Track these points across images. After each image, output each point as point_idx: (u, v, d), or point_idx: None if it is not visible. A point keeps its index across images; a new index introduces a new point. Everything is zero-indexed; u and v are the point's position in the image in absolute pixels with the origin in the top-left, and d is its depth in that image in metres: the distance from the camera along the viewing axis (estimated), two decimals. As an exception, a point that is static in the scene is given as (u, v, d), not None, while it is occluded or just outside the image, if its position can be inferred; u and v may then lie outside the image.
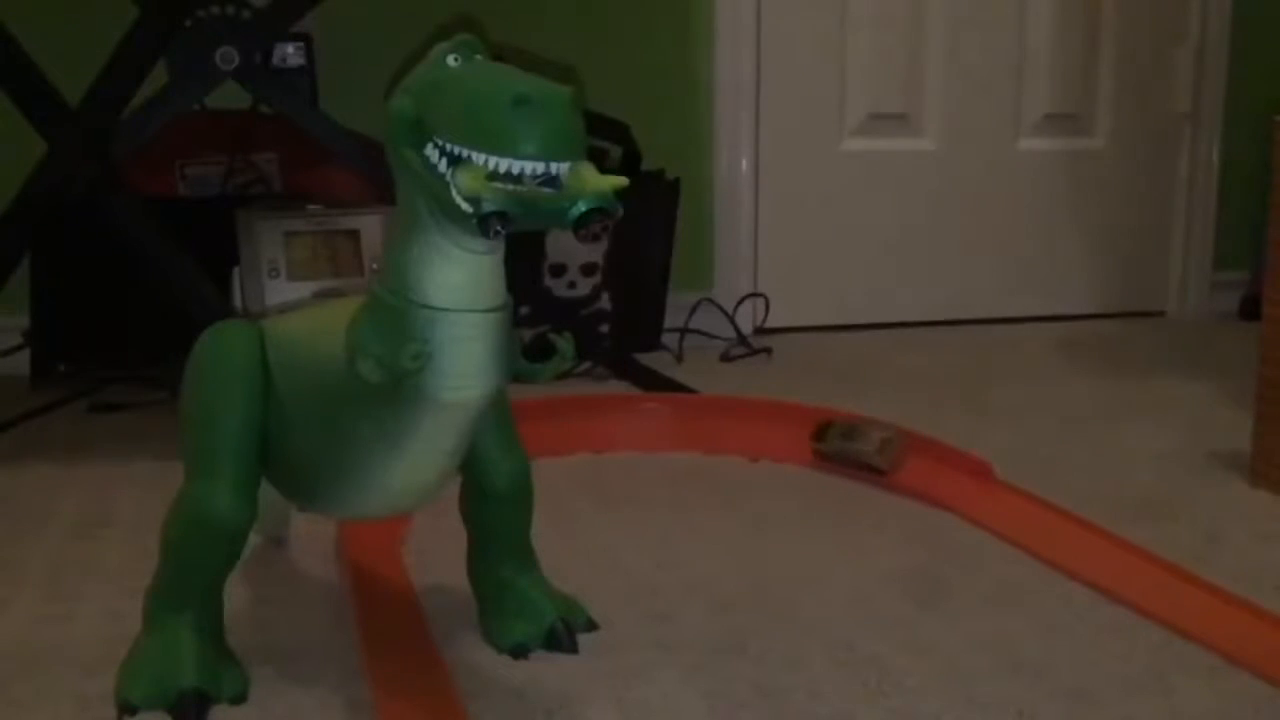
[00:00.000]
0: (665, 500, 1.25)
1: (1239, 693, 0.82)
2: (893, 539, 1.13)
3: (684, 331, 2.11)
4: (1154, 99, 2.44)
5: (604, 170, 0.64)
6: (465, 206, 0.63)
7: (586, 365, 1.85)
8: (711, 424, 1.43)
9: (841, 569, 1.05)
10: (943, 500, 1.21)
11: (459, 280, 0.68)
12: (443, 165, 0.65)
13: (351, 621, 0.91)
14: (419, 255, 0.68)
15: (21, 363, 1.83)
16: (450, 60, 0.67)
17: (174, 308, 1.47)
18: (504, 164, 0.62)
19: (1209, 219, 2.50)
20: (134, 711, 0.78)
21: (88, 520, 1.19)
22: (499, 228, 0.63)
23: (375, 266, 1.59)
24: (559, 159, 0.62)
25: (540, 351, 0.76)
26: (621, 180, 0.64)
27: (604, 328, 1.97)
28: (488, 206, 0.62)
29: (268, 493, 0.82)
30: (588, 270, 1.94)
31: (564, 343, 0.77)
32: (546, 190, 0.63)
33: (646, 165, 2.06)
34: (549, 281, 1.92)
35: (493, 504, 0.87)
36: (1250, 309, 2.32)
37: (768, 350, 2.08)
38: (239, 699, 0.80)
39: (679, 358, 2.02)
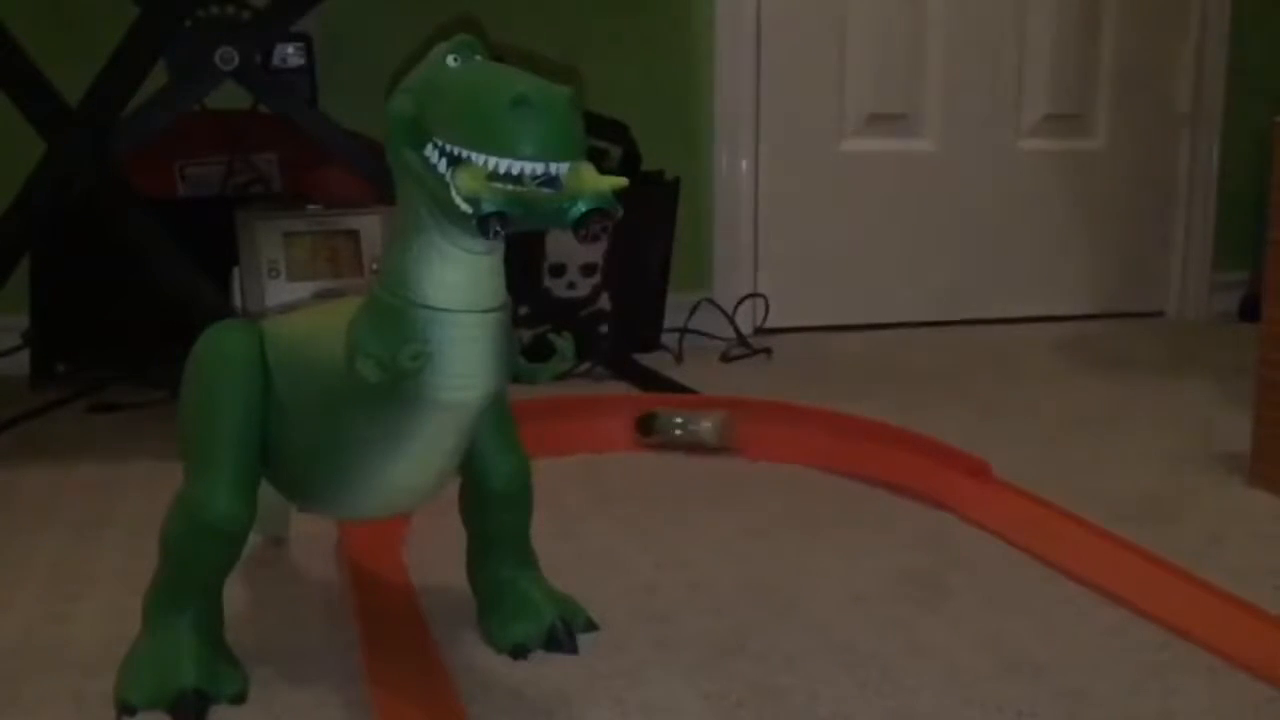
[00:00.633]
0: (665, 500, 1.25)
1: (1238, 693, 0.82)
2: (892, 539, 1.13)
3: (684, 332, 2.11)
4: (1154, 99, 2.44)
5: (603, 170, 0.64)
6: (465, 207, 0.63)
7: (586, 366, 1.85)
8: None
9: (841, 569, 1.05)
10: (942, 500, 1.21)
11: (458, 280, 0.68)
12: (442, 165, 0.65)
13: (351, 622, 0.91)
14: (419, 255, 0.68)
15: (21, 363, 1.83)
16: (450, 60, 0.67)
17: (174, 308, 1.47)
18: (503, 164, 0.62)
19: (1209, 219, 2.50)
20: (133, 711, 0.78)
21: (87, 520, 1.19)
22: (498, 228, 0.63)
23: (375, 267, 1.59)
24: (558, 159, 0.62)
25: (540, 352, 0.76)
26: (621, 180, 0.64)
27: (604, 328, 1.97)
28: (487, 207, 0.62)
29: (267, 493, 0.82)
30: (587, 270, 1.94)
31: (564, 343, 0.77)
32: (546, 190, 0.63)
33: (646, 165, 2.06)
34: (549, 282, 1.92)
35: (492, 504, 0.87)
36: (1250, 309, 2.31)
37: (767, 350, 2.08)
38: (238, 699, 0.80)
39: (679, 358, 2.02)
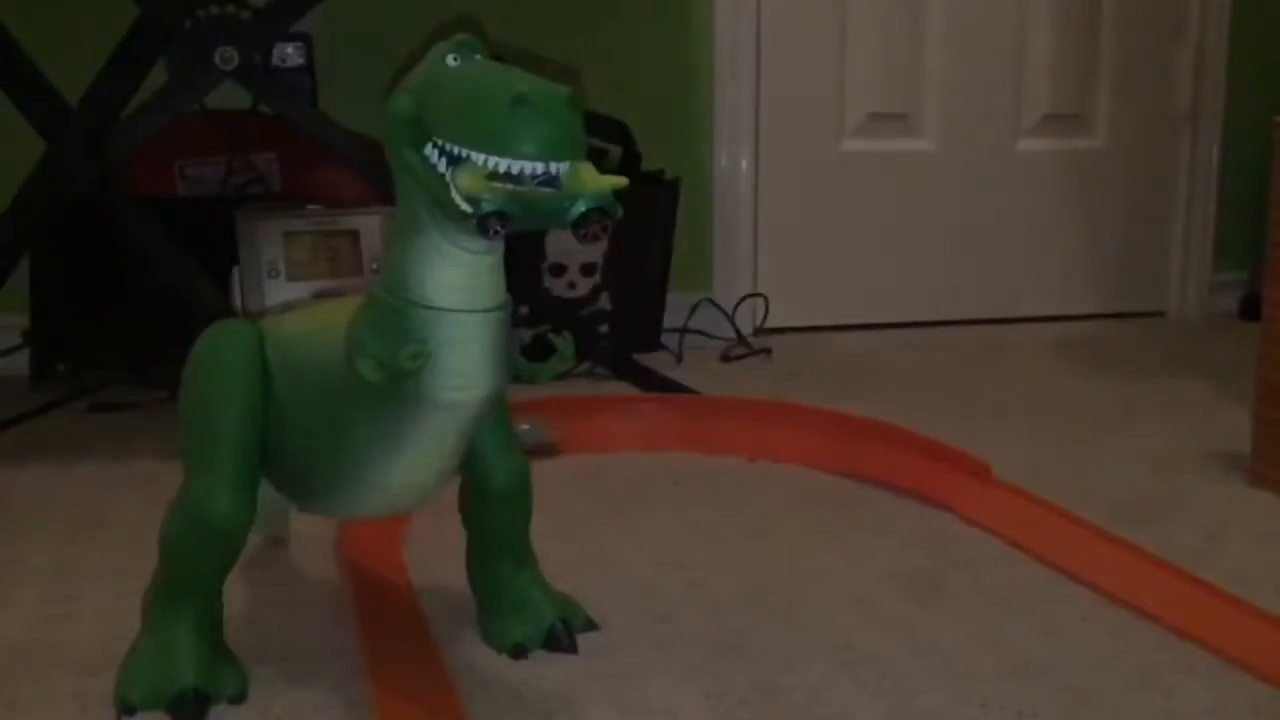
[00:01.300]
0: (665, 500, 1.25)
1: (1238, 693, 0.82)
2: (892, 539, 1.13)
3: (683, 331, 2.11)
4: (1154, 99, 2.44)
5: (603, 170, 0.64)
6: (465, 206, 0.63)
7: (586, 365, 1.85)
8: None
9: (841, 569, 1.05)
10: (942, 500, 1.21)
11: (458, 280, 0.68)
12: (442, 165, 0.65)
13: (351, 621, 0.91)
14: (418, 255, 0.68)
15: (21, 362, 1.83)
16: (450, 60, 0.67)
17: (173, 307, 1.47)
18: (503, 164, 0.62)
19: (1209, 219, 2.50)
20: (133, 711, 0.78)
21: (87, 520, 1.19)
22: (498, 228, 0.63)
23: (375, 266, 1.59)
24: (558, 159, 0.62)
25: (540, 351, 0.77)
26: (621, 180, 0.64)
27: (603, 328, 1.97)
28: (487, 206, 0.62)
29: (267, 492, 0.82)
30: (587, 270, 1.94)
31: (563, 343, 0.77)
32: (546, 190, 0.63)
33: (646, 165, 2.06)
34: (548, 281, 1.92)
35: (492, 504, 0.87)
36: (1250, 309, 2.31)
37: (767, 350, 2.08)
38: (238, 699, 0.80)
39: (679, 358, 2.02)
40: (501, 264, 0.70)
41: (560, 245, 1.91)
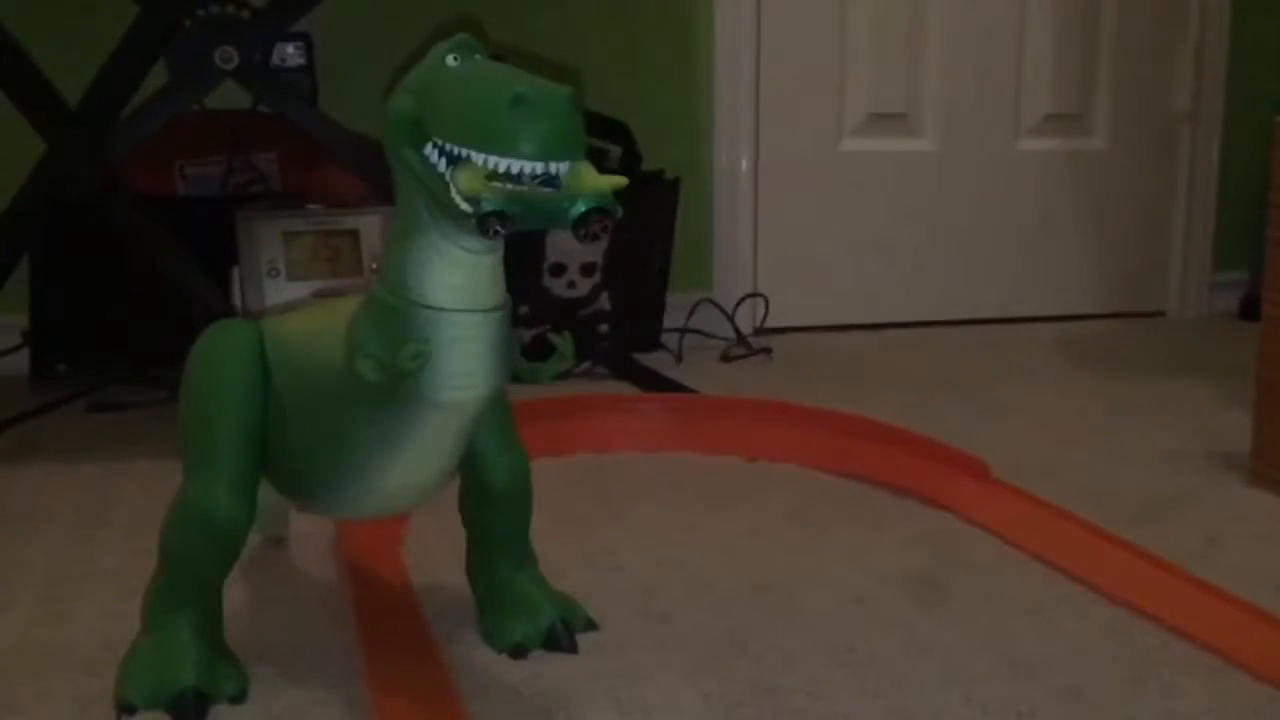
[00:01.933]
0: (665, 500, 1.25)
1: (1238, 693, 0.82)
2: (892, 539, 1.13)
3: (683, 331, 2.11)
4: (1154, 99, 2.44)
5: (603, 170, 0.64)
6: (464, 206, 0.63)
7: (586, 365, 1.85)
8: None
9: (841, 569, 1.05)
10: (942, 500, 1.21)
11: (458, 280, 0.68)
12: (442, 165, 0.65)
13: (350, 621, 0.91)
14: (418, 255, 0.68)
15: (21, 362, 1.83)
16: (450, 60, 0.67)
17: (173, 307, 1.47)
18: (503, 164, 0.62)
19: (1209, 219, 2.50)
20: (133, 711, 0.78)
21: (87, 520, 1.19)
22: (498, 227, 0.63)
23: (375, 266, 1.59)
24: (558, 159, 0.62)
25: (540, 351, 0.77)
26: (620, 180, 0.64)
27: (603, 328, 1.97)
28: (487, 206, 0.62)
29: (267, 492, 0.82)
30: (587, 270, 1.94)
31: (563, 343, 0.77)
32: (546, 190, 0.63)
33: (646, 165, 2.06)
34: (548, 281, 1.92)
35: (492, 503, 0.87)
36: (1250, 309, 2.31)
37: (767, 350, 2.08)
38: (238, 698, 0.80)
39: (678, 358, 2.02)
40: (501, 264, 0.70)
41: (560, 245, 1.91)
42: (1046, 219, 2.41)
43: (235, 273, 1.57)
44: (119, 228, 1.52)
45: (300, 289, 1.56)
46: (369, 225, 1.60)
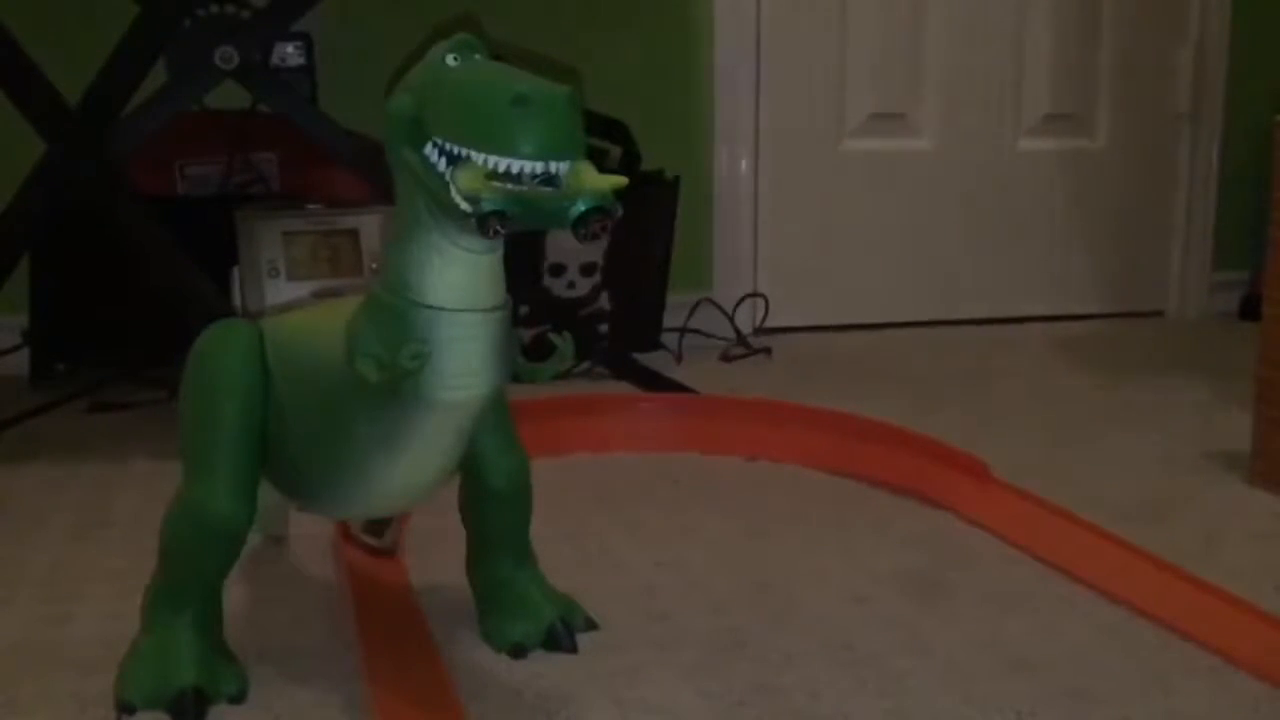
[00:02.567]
0: (665, 500, 1.25)
1: (1238, 693, 0.82)
2: (892, 538, 1.13)
3: (683, 331, 2.11)
4: (1154, 99, 2.44)
5: (603, 170, 0.64)
6: (464, 206, 0.63)
7: (586, 365, 1.85)
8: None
9: (841, 569, 1.05)
10: (941, 500, 1.21)
11: (458, 280, 0.68)
12: (442, 164, 0.65)
13: (350, 621, 0.91)
14: (418, 255, 0.68)
15: (21, 362, 1.83)
16: (449, 59, 0.67)
17: (173, 307, 1.47)
18: (503, 163, 0.62)
19: (1209, 219, 2.50)
20: (133, 711, 0.78)
21: (87, 520, 1.19)
22: (498, 227, 0.62)
23: (374, 266, 1.59)
24: (558, 158, 0.62)
25: (539, 351, 0.76)
26: (620, 180, 0.64)
27: (603, 327, 1.97)
28: (487, 206, 0.62)
29: (267, 492, 0.82)
30: (587, 270, 1.94)
31: (563, 342, 0.77)
32: (546, 190, 0.63)
33: (646, 165, 2.06)
34: (548, 281, 1.92)
35: (492, 503, 0.87)
36: (1250, 309, 2.31)
37: (767, 350, 2.08)
38: (238, 698, 0.80)
39: (678, 358, 2.02)
40: (501, 263, 0.70)
41: (560, 245, 1.91)
42: (1046, 219, 2.41)
43: (235, 273, 1.57)
44: (119, 227, 1.51)
45: (300, 289, 1.56)
46: (369, 225, 1.60)
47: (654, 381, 1.79)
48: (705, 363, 2.01)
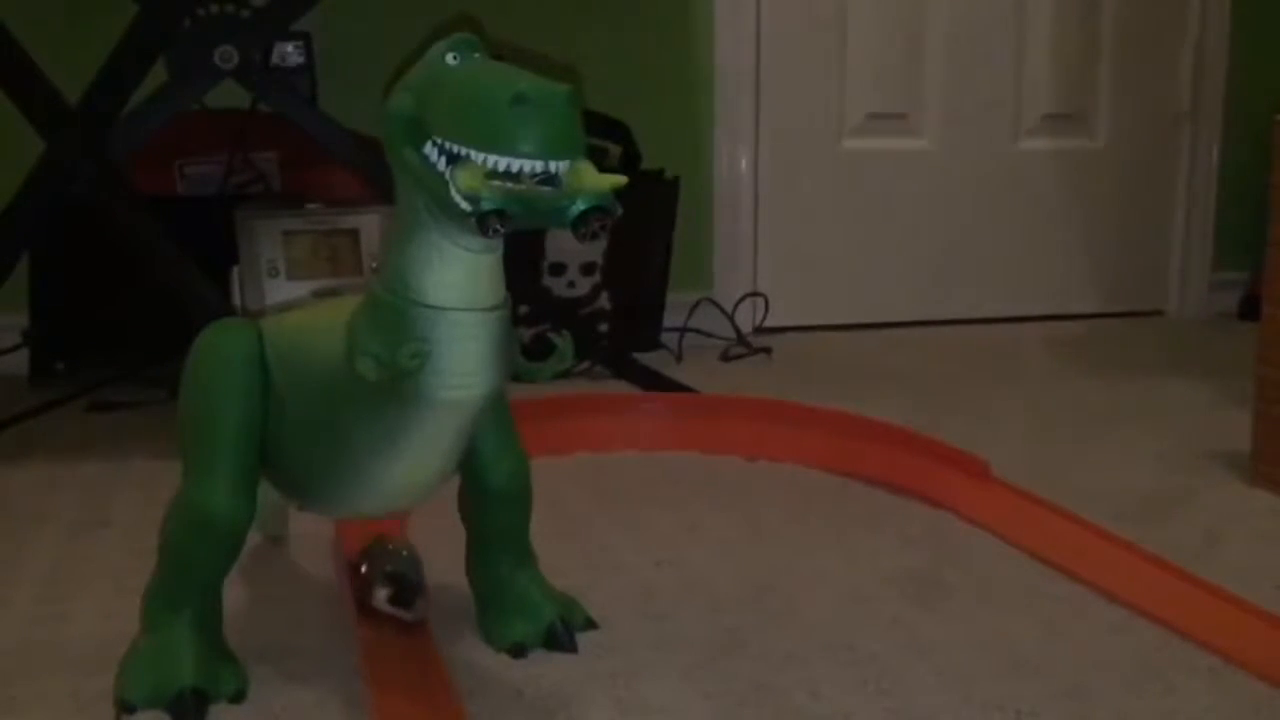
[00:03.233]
0: (665, 500, 1.25)
1: (1238, 692, 0.82)
2: (892, 538, 1.13)
3: (683, 331, 2.11)
4: (1154, 99, 2.44)
5: (603, 169, 0.64)
6: (464, 205, 0.63)
7: (586, 365, 1.85)
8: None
9: (841, 569, 1.05)
10: (941, 500, 1.21)
11: (458, 279, 0.68)
12: (441, 164, 0.65)
13: (349, 620, 0.91)
14: (418, 254, 0.68)
15: (20, 361, 1.83)
16: (449, 59, 0.67)
17: (173, 307, 1.46)
18: (503, 162, 0.62)
19: (1209, 219, 2.50)
20: (133, 710, 0.77)
21: (86, 519, 1.19)
22: (498, 226, 0.62)
23: (374, 265, 1.59)
24: (558, 158, 0.62)
25: (539, 351, 0.76)
26: (620, 179, 0.64)
27: (603, 327, 1.97)
28: (486, 205, 0.62)
29: (266, 491, 0.82)
30: (587, 269, 1.94)
31: (563, 342, 0.77)
32: (545, 189, 0.63)
33: (646, 164, 2.06)
34: (548, 280, 1.92)
35: (492, 503, 0.87)
36: (1250, 309, 2.31)
37: (767, 350, 2.08)
38: (238, 697, 0.80)
39: (678, 357, 2.02)
40: (501, 263, 0.70)
41: (560, 244, 1.91)
42: (1046, 219, 2.41)
43: (235, 272, 1.57)
44: (119, 227, 1.51)
45: (300, 288, 1.56)
46: (369, 224, 1.60)
47: (654, 381, 1.79)
48: (705, 362, 2.01)
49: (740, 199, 2.25)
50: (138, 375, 1.70)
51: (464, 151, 0.63)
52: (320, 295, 1.54)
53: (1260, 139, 1.57)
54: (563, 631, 0.88)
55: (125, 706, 0.77)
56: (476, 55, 0.67)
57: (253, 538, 0.95)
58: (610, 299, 1.97)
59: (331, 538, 1.07)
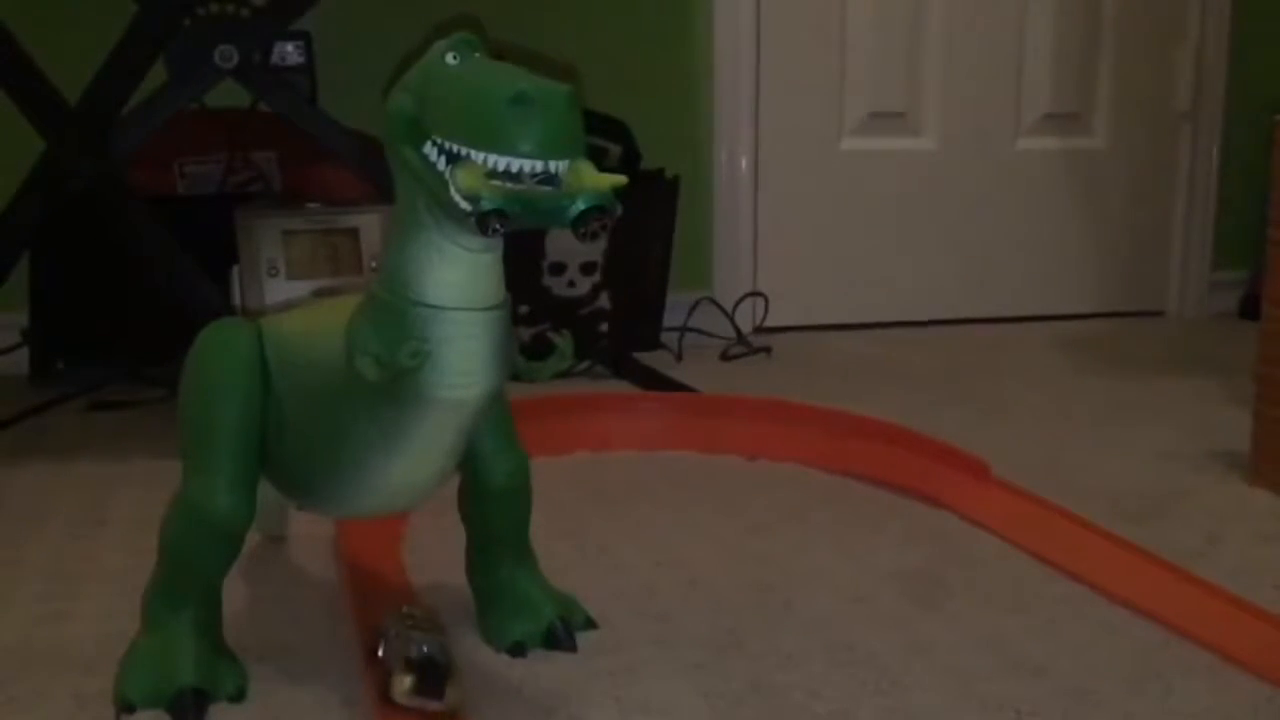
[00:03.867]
0: (665, 500, 1.25)
1: (1237, 692, 0.82)
2: (892, 538, 1.13)
3: (683, 330, 2.11)
4: (1154, 99, 2.44)
5: (603, 169, 0.64)
6: (464, 205, 0.63)
7: (585, 364, 1.85)
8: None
9: (841, 568, 1.05)
10: (941, 500, 1.21)
11: (457, 278, 0.68)
12: (441, 163, 0.65)
13: (350, 620, 0.91)
14: (418, 253, 0.68)
15: (20, 360, 1.83)
16: (449, 58, 0.66)
17: (173, 306, 1.47)
18: (503, 162, 0.62)
19: (1209, 219, 2.50)
20: (132, 710, 0.78)
21: (86, 519, 1.19)
22: (497, 226, 0.62)
23: (374, 265, 1.59)
24: (558, 157, 0.62)
25: (539, 350, 0.76)
26: (620, 179, 0.64)
27: (603, 326, 1.97)
28: (486, 205, 0.62)
29: (266, 491, 0.82)
30: (587, 269, 1.94)
31: (563, 341, 0.77)
32: (545, 188, 0.63)
33: (646, 164, 2.06)
34: (548, 280, 1.92)
35: (491, 502, 0.87)
36: (1250, 309, 2.32)
37: (767, 349, 2.08)
38: (237, 697, 0.80)
39: (678, 357, 2.02)
40: (501, 262, 0.70)
41: (560, 244, 1.91)
42: (1046, 218, 2.41)
43: (235, 272, 1.57)
44: (118, 226, 1.52)
45: (300, 288, 1.56)
46: (369, 224, 1.60)
47: (654, 380, 1.79)
48: (705, 362, 2.01)
49: (740, 199, 2.25)
50: (138, 374, 1.70)
51: (464, 151, 0.63)
52: (320, 295, 1.54)
53: (1260, 139, 1.57)
54: (562, 631, 0.88)
55: (125, 706, 0.77)
56: (476, 55, 0.67)
57: (253, 538, 0.95)
58: (610, 299, 1.97)
59: (332, 538, 1.07)
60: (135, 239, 1.51)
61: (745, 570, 1.05)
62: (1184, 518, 1.19)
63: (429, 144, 0.65)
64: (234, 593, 0.93)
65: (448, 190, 0.64)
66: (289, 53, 1.84)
